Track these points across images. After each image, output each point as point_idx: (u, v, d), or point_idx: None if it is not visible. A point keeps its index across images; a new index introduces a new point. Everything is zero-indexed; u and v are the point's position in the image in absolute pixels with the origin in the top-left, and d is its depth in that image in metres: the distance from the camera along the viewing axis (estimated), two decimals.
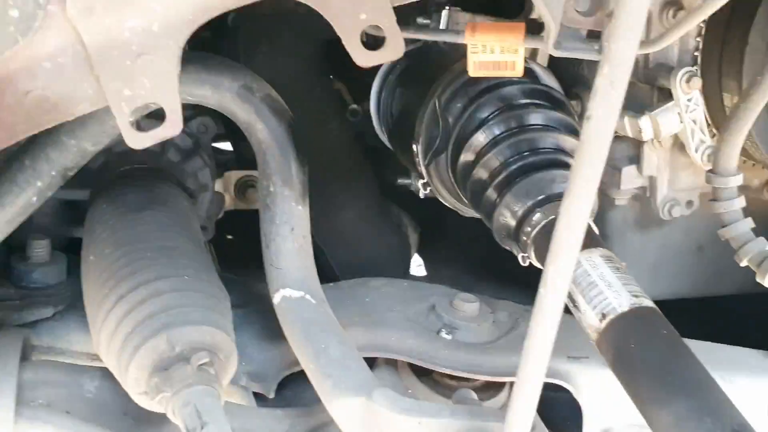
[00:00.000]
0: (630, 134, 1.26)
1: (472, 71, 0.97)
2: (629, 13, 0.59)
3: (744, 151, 1.26)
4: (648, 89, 1.27)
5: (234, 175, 1.75)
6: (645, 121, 1.22)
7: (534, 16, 1.23)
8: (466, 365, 1.06)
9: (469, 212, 1.24)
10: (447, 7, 1.35)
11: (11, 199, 0.92)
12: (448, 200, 1.22)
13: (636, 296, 0.85)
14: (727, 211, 0.95)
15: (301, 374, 1.07)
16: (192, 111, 1.42)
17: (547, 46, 0.82)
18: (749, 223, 0.96)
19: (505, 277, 1.79)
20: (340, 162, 1.46)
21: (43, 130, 0.87)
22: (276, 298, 1.00)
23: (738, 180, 0.92)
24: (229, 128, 1.53)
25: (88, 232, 1.06)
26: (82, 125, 0.92)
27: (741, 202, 0.94)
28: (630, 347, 0.81)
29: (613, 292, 0.86)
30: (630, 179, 1.32)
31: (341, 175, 1.45)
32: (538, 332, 0.71)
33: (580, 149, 0.64)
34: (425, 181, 1.21)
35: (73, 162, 0.94)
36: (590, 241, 0.95)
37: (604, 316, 0.85)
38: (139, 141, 0.79)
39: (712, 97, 1.20)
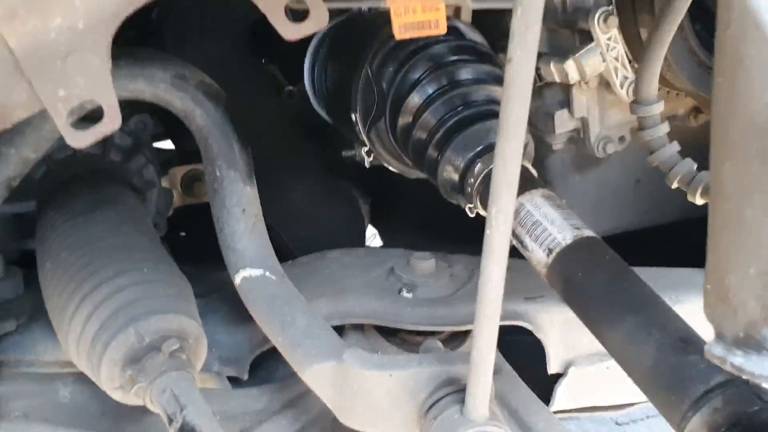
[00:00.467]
0: (557, 79, 1.30)
1: (398, 34, 0.99)
2: None
3: (666, 82, 1.32)
4: (569, 33, 1.32)
5: (179, 171, 1.75)
6: (570, 65, 1.26)
7: None
8: (428, 320, 1.10)
9: (414, 174, 1.28)
10: None
11: None
12: (393, 164, 1.25)
13: (577, 228, 0.90)
14: (653, 138, 1.00)
15: (272, 352, 1.10)
16: (128, 110, 1.42)
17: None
18: (675, 146, 1.01)
19: (460, 234, 1.84)
20: (281, 143, 1.48)
21: None
22: (237, 279, 1.02)
23: (659, 107, 0.97)
24: (168, 125, 1.54)
25: (41, 241, 1.07)
26: (20, 133, 0.92)
27: (665, 128, 1.00)
28: (577, 276, 0.85)
29: (556, 228, 0.90)
30: (563, 123, 1.37)
31: (285, 156, 1.47)
32: (489, 273, 0.75)
33: (506, 92, 0.67)
34: (368, 148, 1.24)
35: (15, 171, 0.94)
36: (530, 183, 1.00)
37: (550, 251, 0.89)
38: (80, 140, 0.79)
39: (629, 34, 1.25)
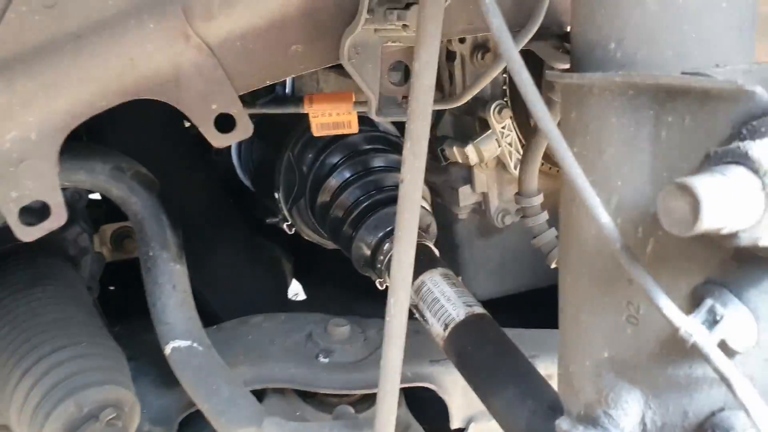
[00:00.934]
0: (460, 160, 1.46)
1: (316, 132, 1.13)
2: (420, 99, 0.77)
3: (549, 159, 1.49)
4: (470, 120, 1.48)
5: (109, 229, 1.83)
6: (470, 149, 1.43)
7: None
8: (342, 383, 1.23)
9: (331, 245, 1.41)
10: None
11: None
12: (312, 237, 1.38)
13: (469, 306, 1.05)
14: (535, 225, 1.16)
15: (199, 412, 1.19)
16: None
17: (371, 113, 0.99)
18: (553, 232, 1.18)
19: (377, 294, 1.98)
20: (209, 209, 1.58)
21: None
22: (167, 350, 1.12)
23: (539, 199, 1.13)
24: None
25: None
26: None
27: (544, 216, 1.16)
28: (468, 349, 1.00)
29: (452, 305, 1.05)
30: (466, 197, 1.52)
31: (211, 220, 1.57)
32: (390, 345, 0.88)
33: (400, 205, 0.81)
34: (290, 222, 1.36)
35: None
36: (431, 262, 1.14)
37: (446, 325, 1.03)
38: (29, 234, 0.89)
39: (522, 122, 1.43)
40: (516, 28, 1.02)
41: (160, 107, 1.58)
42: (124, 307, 1.67)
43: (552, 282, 1.77)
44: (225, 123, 0.95)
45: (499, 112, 1.39)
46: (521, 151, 1.45)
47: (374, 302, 1.89)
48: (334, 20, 0.94)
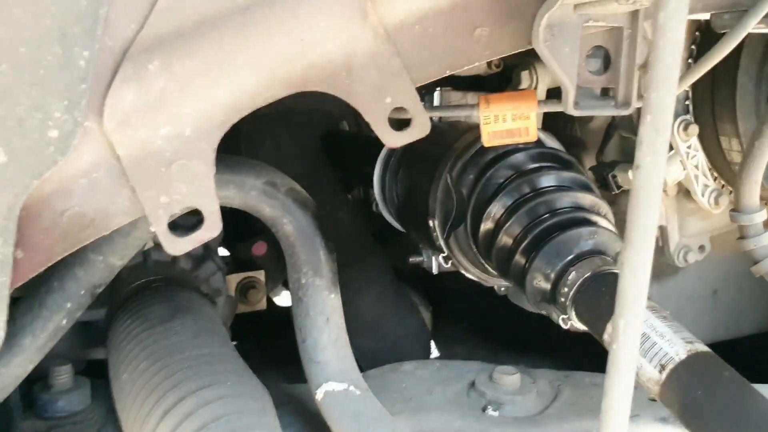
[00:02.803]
0: None
1: (487, 141, 0.99)
2: (664, 62, 0.61)
3: None
4: None
5: (234, 279, 1.74)
6: None
7: (524, 86, 1.26)
8: None
9: (493, 282, 1.24)
10: (438, 88, 1.39)
11: (42, 323, 0.90)
12: (471, 271, 1.21)
13: (690, 342, 0.85)
14: (757, 247, 0.96)
15: None
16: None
17: (567, 107, 0.84)
18: None
19: (520, 346, 1.79)
20: (353, 247, 1.46)
21: None
22: (319, 394, 0.97)
23: (762, 216, 0.94)
24: (225, 233, 1.53)
25: (115, 350, 1.03)
26: (109, 240, 0.91)
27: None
28: (697, 394, 0.80)
29: (667, 342, 0.85)
30: None
31: (355, 261, 1.44)
32: (616, 391, 0.69)
33: (634, 199, 0.65)
34: (446, 254, 1.21)
35: (101, 279, 0.92)
36: None
37: (663, 367, 0.84)
38: (179, 247, 0.78)
39: (709, 142, 1.24)
40: (739, 8, 0.86)
41: (301, 138, 1.50)
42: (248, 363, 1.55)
43: (734, 334, 1.54)
44: (400, 120, 0.82)
45: (685, 128, 1.21)
46: (708, 176, 1.26)
47: (518, 357, 1.71)
48: None
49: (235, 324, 1.67)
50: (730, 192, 1.25)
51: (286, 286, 1.82)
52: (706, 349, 0.85)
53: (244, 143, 1.37)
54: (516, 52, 0.84)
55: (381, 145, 1.40)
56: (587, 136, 1.39)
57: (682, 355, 0.83)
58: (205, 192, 0.77)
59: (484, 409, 1.09)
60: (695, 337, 0.87)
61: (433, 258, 1.34)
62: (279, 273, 1.76)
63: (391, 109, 0.80)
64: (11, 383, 0.91)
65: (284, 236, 0.98)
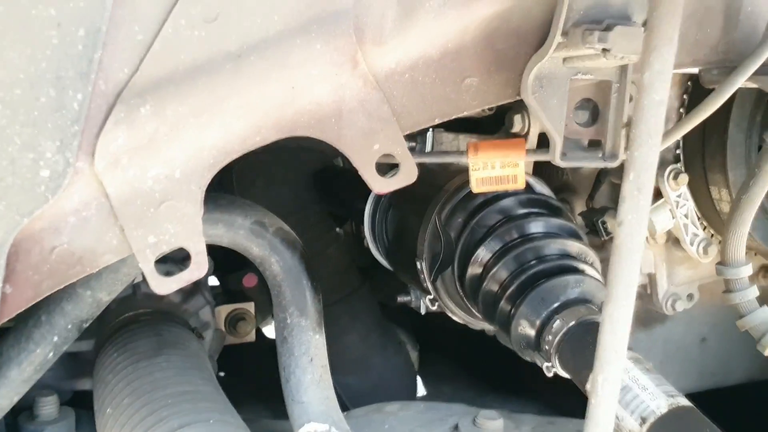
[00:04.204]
0: None
1: (475, 188, 1.00)
2: (647, 121, 0.62)
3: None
4: None
5: (224, 310, 1.74)
6: None
7: (515, 130, 1.27)
8: None
9: (479, 325, 1.24)
10: (431, 129, 1.41)
11: (28, 356, 0.90)
12: (457, 314, 1.21)
13: (672, 396, 0.85)
14: (743, 302, 0.96)
15: None
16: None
17: (554, 158, 0.85)
18: (766, 311, 0.98)
19: (508, 386, 1.78)
20: (340, 284, 1.46)
21: None
22: None
23: (748, 270, 0.94)
24: (215, 262, 1.53)
25: (101, 384, 1.03)
26: (97, 276, 0.91)
27: (755, 291, 0.96)
28: None
29: (649, 395, 0.85)
30: None
31: (343, 297, 1.45)
32: None
33: (615, 254, 0.66)
34: (432, 297, 1.21)
35: (88, 313, 0.93)
36: None
37: (643, 420, 0.84)
38: (165, 286, 0.78)
39: (699, 192, 1.25)
40: (727, 64, 0.87)
41: (293, 174, 1.51)
42: (232, 396, 1.55)
43: (722, 383, 1.54)
44: (387, 166, 0.83)
45: (675, 177, 1.22)
46: (697, 225, 1.27)
47: (503, 400, 1.70)
48: (515, 49, 0.82)
49: (224, 356, 1.67)
50: (719, 241, 1.26)
51: None
52: (687, 403, 0.85)
53: (236, 180, 1.38)
54: (506, 102, 0.85)
55: None
56: (578, 182, 1.40)
57: (663, 409, 0.83)
58: (193, 233, 0.78)
59: None
60: (677, 390, 0.88)
61: (421, 299, 1.34)
62: (269, 305, 1.76)
63: (379, 155, 0.81)
64: None
65: (271, 276, 0.98)
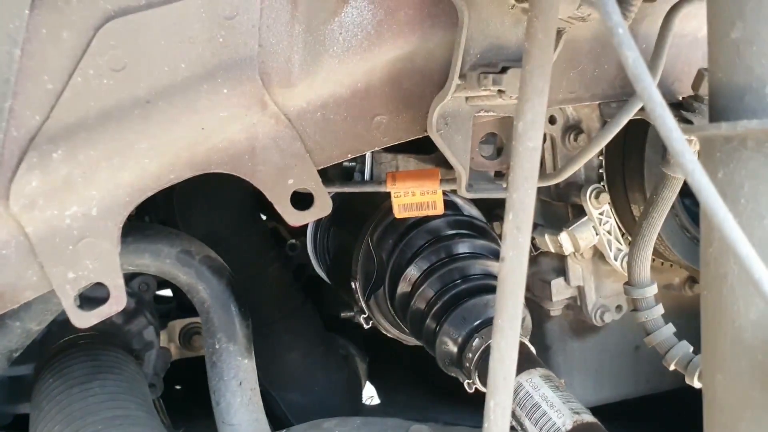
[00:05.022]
0: (552, 250, 1.33)
1: (397, 213, 1.04)
2: (523, 166, 0.66)
3: (660, 254, 1.35)
4: (563, 206, 1.36)
5: (178, 324, 1.76)
6: (564, 237, 1.30)
7: None
8: None
9: (412, 341, 1.28)
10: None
11: None
12: (390, 331, 1.26)
13: (577, 413, 0.90)
14: (649, 320, 1.01)
15: None
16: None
17: (460, 189, 0.89)
18: (671, 328, 1.03)
19: (459, 398, 1.82)
20: (282, 302, 1.49)
21: None
22: None
23: (653, 290, 0.99)
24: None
25: (36, 409, 1.06)
26: (26, 307, 0.94)
27: (659, 309, 1.01)
28: None
29: (556, 412, 0.90)
30: (559, 291, 1.39)
31: (284, 315, 1.48)
32: None
33: (500, 287, 0.70)
34: (366, 315, 1.25)
35: (18, 343, 0.95)
36: (529, 362, 1.00)
37: None
38: (85, 320, 0.81)
39: (621, 209, 1.30)
40: (624, 98, 0.92)
41: (234, 194, 1.54)
42: (190, 408, 1.57)
43: (656, 389, 1.59)
44: (302, 200, 0.87)
45: (596, 196, 1.28)
46: (621, 241, 1.32)
47: (455, 408, 1.74)
48: (421, 89, 0.86)
49: (181, 369, 1.69)
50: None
51: None
52: (592, 419, 0.90)
53: (177, 202, 1.41)
54: (414, 137, 0.89)
55: None
56: None
57: (569, 426, 0.88)
58: (111, 268, 0.81)
59: None
60: (584, 407, 0.92)
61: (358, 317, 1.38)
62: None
63: (293, 189, 0.85)
64: None
65: (199, 302, 1.02)
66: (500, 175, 0.93)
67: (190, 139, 0.79)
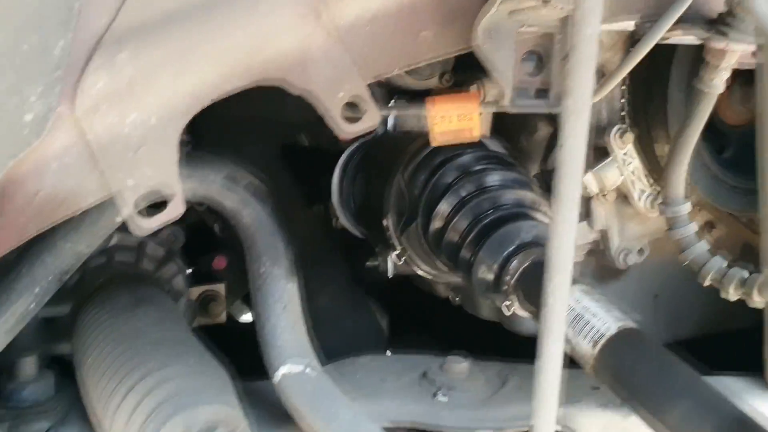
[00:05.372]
0: None
1: (435, 141, 1.06)
2: (582, 50, 0.68)
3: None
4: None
5: (195, 291, 1.77)
6: (589, 178, 1.33)
7: None
8: (469, 421, 1.09)
9: (444, 278, 1.30)
10: (393, 99, 1.47)
11: (10, 307, 0.94)
12: (423, 268, 1.28)
13: (620, 320, 0.92)
14: (684, 237, 1.04)
15: None
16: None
17: (505, 104, 0.92)
18: (704, 245, 1.05)
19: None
20: (310, 251, 1.51)
21: (37, 236, 0.91)
22: (276, 377, 1.02)
23: (687, 207, 1.02)
24: (186, 244, 1.58)
25: (80, 337, 1.07)
26: (76, 228, 0.96)
27: (694, 227, 1.04)
28: (626, 364, 0.87)
29: (599, 320, 0.92)
30: (583, 235, 1.41)
31: (314, 262, 1.49)
32: (546, 371, 0.76)
33: (558, 176, 0.72)
34: (399, 252, 1.27)
35: (68, 265, 0.97)
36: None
37: (595, 342, 0.91)
38: (144, 227, 0.83)
39: (644, 148, 1.33)
40: (654, 18, 0.95)
41: (266, 150, 1.56)
42: None
43: (674, 336, 1.62)
44: (352, 113, 0.89)
45: (621, 136, 1.30)
46: (645, 181, 1.35)
47: None
48: (466, 3, 0.89)
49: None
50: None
51: (245, 302, 1.87)
52: (634, 325, 0.93)
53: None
54: (458, 53, 0.91)
55: (339, 157, 1.48)
56: (532, 147, 1.48)
57: (613, 331, 0.90)
58: (170, 175, 0.83)
59: (434, 395, 1.14)
60: (626, 315, 0.95)
61: (389, 259, 1.41)
62: (239, 286, 1.81)
63: (343, 102, 0.87)
64: None
65: (244, 228, 1.03)
66: (541, 93, 0.96)
67: (247, 47, 0.81)
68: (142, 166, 0.81)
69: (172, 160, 0.83)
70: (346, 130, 0.88)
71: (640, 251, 1.44)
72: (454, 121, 1.05)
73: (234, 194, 1.01)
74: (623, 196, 1.39)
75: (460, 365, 1.18)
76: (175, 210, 0.84)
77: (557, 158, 0.72)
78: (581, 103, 0.69)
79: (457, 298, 1.78)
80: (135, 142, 0.81)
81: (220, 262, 1.82)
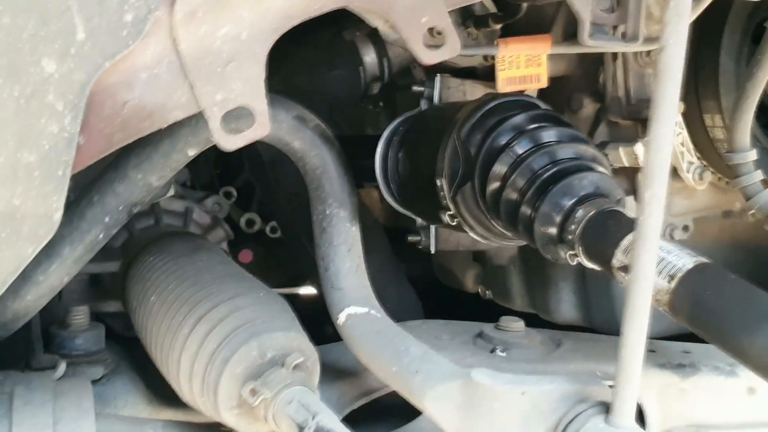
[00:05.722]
0: (626, 163, 1.36)
1: (501, 86, 1.06)
2: None
3: (727, 171, 1.38)
4: (631, 125, 1.40)
5: None
6: (639, 148, 1.33)
7: None
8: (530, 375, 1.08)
9: (496, 241, 1.30)
10: (439, 75, 1.48)
11: (80, 235, 0.93)
12: (476, 229, 1.27)
13: (695, 257, 0.92)
14: (749, 184, 1.04)
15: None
16: (205, 192, 1.47)
17: (583, 38, 0.92)
18: None
19: None
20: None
21: (109, 165, 0.90)
22: (341, 319, 1.01)
23: (753, 155, 1.02)
24: None
25: (139, 282, 1.06)
26: (149, 159, 0.95)
27: (760, 174, 1.04)
28: (706, 294, 0.86)
29: (675, 257, 0.92)
30: (630, 209, 1.41)
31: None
32: (637, 304, 0.76)
33: (657, 84, 0.72)
34: (452, 212, 1.26)
35: (138, 197, 0.96)
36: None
37: (671, 277, 0.90)
38: (231, 142, 0.83)
39: (693, 120, 1.34)
40: None
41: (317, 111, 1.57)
42: None
43: None
44: (433, 41, 0.90)
45: None
46: (693, 154, 1.36)
47: None
48: None
49: None
50: (712, 172, 1.35)
51: None
52: (710, 261, 0.92)
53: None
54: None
55: (376, 141, 1.49)
56: (578, 123, 1.49)
57: (690, 265, 0.90)
58: (257, 92, 0.83)
59: (492, 351, 1.13)
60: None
61: (431, 234, 1.40)
62: (264, 280, 1.81)
63: (426, 28, 0.87)
64: (48, 293, 0.93)
65: (311, 169, 1.03)
66: (616, 31, 0.97)
67: None
68: (230, 82, 0.81)
69: (260, 77, 0.83)
70: (428, 56, 0.88)
71: (685, 228, 1.44)
72: (522, 66, 1.05)
73: (303, 135, 1.01)
74: (671, 170, 1.39)
75: (516, 323, 1.17)
76: (261, 127, 0.84)
77: (649, 129, 0.73)
78: (675, 62, 0.69)
79: (488, 291, 1.77)
80: (225, 56, 0.81)
81: (245, 256, 1.82)
